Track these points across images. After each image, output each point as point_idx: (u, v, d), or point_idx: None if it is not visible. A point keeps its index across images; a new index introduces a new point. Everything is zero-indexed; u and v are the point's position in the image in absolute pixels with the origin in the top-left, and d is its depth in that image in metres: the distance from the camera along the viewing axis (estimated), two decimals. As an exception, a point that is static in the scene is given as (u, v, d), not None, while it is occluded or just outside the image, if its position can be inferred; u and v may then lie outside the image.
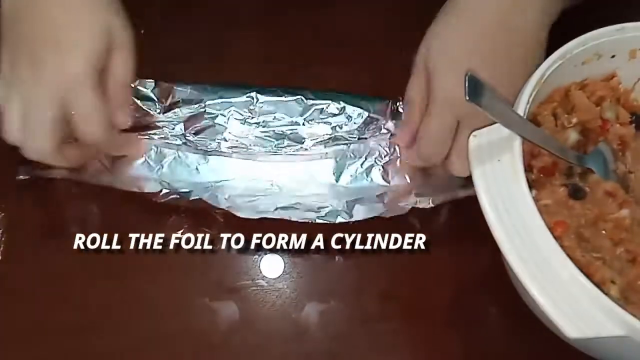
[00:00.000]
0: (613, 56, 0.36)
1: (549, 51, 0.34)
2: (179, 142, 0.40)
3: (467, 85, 0.28)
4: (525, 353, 0.36)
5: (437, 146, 0.36)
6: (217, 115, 0.41)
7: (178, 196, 0.39)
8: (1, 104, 0.36)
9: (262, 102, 0.41)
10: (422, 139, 0.37)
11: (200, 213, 0.40)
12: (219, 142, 0.40)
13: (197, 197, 0.39)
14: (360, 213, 0.38)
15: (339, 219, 0.38)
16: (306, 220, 0.38)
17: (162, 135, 0.41)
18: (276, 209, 0.39)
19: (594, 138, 0.36)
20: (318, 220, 0.38)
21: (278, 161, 0.40)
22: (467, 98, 0.28)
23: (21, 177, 0.39)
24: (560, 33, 0.36)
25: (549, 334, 0.31)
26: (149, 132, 0.40)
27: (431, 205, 0.39)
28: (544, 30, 0.36)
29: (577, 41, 0.34)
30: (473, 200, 0.29)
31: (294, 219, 0.38)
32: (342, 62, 0.45)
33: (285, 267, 0.39)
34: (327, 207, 0.39)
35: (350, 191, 0.39)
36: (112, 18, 0.36)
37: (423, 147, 0.37)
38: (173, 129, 0.41)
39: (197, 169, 0.40)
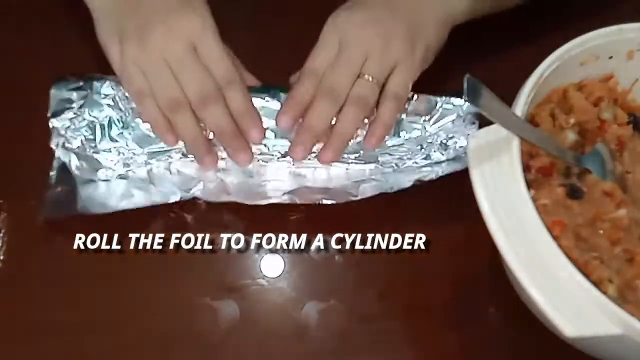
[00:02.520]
0: (611, 57, 0.36)
1: (548, 52, 0.35)
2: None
3: (466, 86, 0.29)
4: (524, 352, 0.36)
5: (321, 57, 0.39)
6: None
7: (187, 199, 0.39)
8: (137, 87, 0.38)
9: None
10: (310, 57, 0.39)
11: (201, 213, 0.40)
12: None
13: (202, 197, 0.39)
14: (367, 191, 0.39)
15: (346, 199, 0.38)
16: (313, 202, 0.38)
17: None
18: (283, 194, 0.39)
19: (591, 138, 0.36)
20: (325, 202, 0.38)
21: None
22: (466, 99, 0.29)
23: (45, 216, 0.38)
24: (558, 34, 0.36)
25: (547, 333, 0.31)
26: None
27: (434, 177, 0.39)
28: (438, 22, 0.40)
29: (575, 42, 0.34)
30: (472, 200, 0.30)
31: (300, 201, 0.38)
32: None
33: (285, 266, 0.39)
34: (332, 188, 0.39)
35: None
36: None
37: (310, 61, 0.39)
38: None
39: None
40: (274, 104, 0.40)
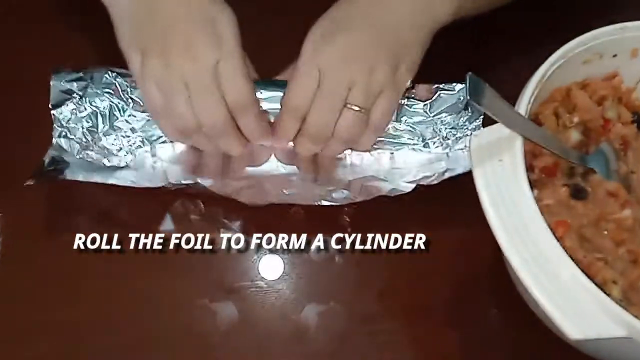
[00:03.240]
0: (614, 55, 0.36)
1: (551, 50, 0.34)
2: None
3: (468, 85, 0.28)
4: (526, 353, 0.36)
5: (303, 90, 0.37)
6: None
7: (185, 185, 0.39)
8: (156, 105, 0.36)
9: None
10: (289, 89, 0.37)
11: (201, 213, 0.40)
12: None
13: (203, 186, 0.39)
14: (364, 193, 0.39)
15: (344, 199, 0.38)
16: (312, 204, 0.38)
17: None
18: (282, 194, 0.39)
19: (595, 138, 0.36)
20: (323, 202, 0.38)
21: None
22: (469, 98, 0.28)
23: (30, 182, 0.38)
24: (561, 33, 0.36)
25: (550, 334, 0.31)
26: None
27: (434, 182, 0.39)
28: (420, 33, 0.38)
29: (578, 40, 0.34)
30: (474, 200, 0.29)
31: (299, 202, 0.38)
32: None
33: (285, 267, 0.39)
34: (332, 187, 0.39)
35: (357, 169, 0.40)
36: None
37: (290, 96, 0.37)
38: None
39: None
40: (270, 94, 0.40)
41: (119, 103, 0.41)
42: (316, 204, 0.39)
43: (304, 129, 0.37)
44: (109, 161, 0.40)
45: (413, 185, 0.39)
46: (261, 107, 0.39)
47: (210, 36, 0.35)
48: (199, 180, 0.39)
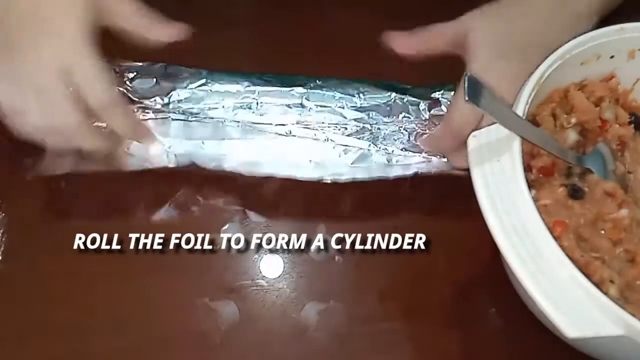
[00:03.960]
0: (612, 57, 0.36)
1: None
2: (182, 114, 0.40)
3: (466, 85, 0.29)
4: (525, 353, 0.36)
5: (460, 124, 0.35)
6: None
7: (187, 163, 0.39)
8: (7, 105, 0.35)
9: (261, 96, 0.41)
10: (449, 114, 0.37)
11: (201, 213, 0.40)
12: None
13: (202, 166, 0.39)
14: (365, 173, 0.39)
15: (344, 178, 0.39)
16: (312, 180, 0.39)
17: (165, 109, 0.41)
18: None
19: (593, 138, 0.36)
20: (326, 179, 0.39)
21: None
22: (467, 98, 0.29)
23: (29, 175, 0.38)
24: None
25: (548, 333, 0.31)
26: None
27: (432, 171, 0.39)
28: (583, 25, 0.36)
29: (576, 41, 0.34)
30: (473, 200, 0.29)
31: (299, 176, 0.39)
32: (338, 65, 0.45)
33: (285, 267, 0.39)
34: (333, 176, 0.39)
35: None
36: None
37: (448, 122, 0.37)
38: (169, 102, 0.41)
39: (203, 143, 0.40)
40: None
41: None
42: (319, 181, 0.39)
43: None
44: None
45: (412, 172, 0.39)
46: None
47: (57, 37, 0.34)
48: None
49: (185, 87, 0.41)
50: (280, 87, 0.41)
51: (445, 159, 0.39)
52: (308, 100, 0.41)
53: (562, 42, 0.34)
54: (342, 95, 0.41)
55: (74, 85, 0.35)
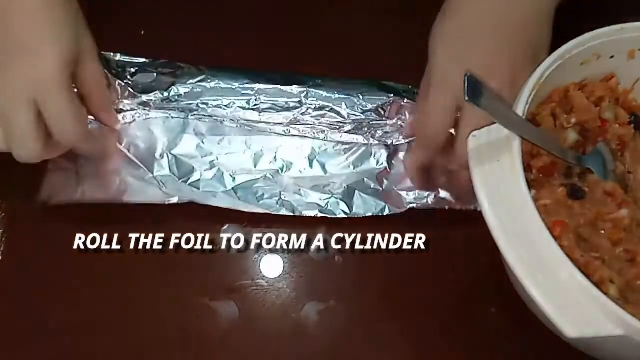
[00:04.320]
0: (612, 56, 0.36)
1: (549, 51, 0.34)
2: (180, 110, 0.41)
3: (466, 85, 0.29)
4: (525, 353, 0.36)
5: (435, 125, 0.35)
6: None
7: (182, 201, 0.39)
8: None
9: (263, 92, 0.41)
10: (421, 119, 0.37)
11: (201, 213, 0.40)
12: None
13: (196, 202, 0.39)
14: (360, 208, 0.39)
15: (339, 213, 0.39)
16: (309, 215, 0.39)
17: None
18: (279, 200, 0.39)
19: (593, 138, 0.36)
20: (320, 215, 0.38)
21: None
22: (467, 98, 0.29)
23: (43, 200, 0.38)
24: (559, 33, 0.36)
25: (548, 333, 0.31)
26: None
27: (430, 205, 0.39)
28: (544, 16, 0.36)
29: (576, 41, 0.34)
30: (473, 200, 0.29)
31: (296, 213, 0.39)
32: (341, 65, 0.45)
33: (285, 267, 0.39)
34: (329, 196, 0.39)
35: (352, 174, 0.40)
36: (78, 26, 0.36)
37: (422, 127, 0.36)
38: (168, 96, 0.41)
39: (202, 142, 0.40)
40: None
41: None
42: (314, 216, 0.39)
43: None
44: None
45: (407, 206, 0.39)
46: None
47: (36, 67, 0.34)
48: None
49: (185, 83, 0.41)
50: (279, 85, 0.41)
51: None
52: (307, 98, 0.41)
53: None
54: (341, 96, 0.41)
55: (43, 118, 0.34)
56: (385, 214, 0.39)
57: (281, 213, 0.39)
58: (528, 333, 0.35)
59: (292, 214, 0.39)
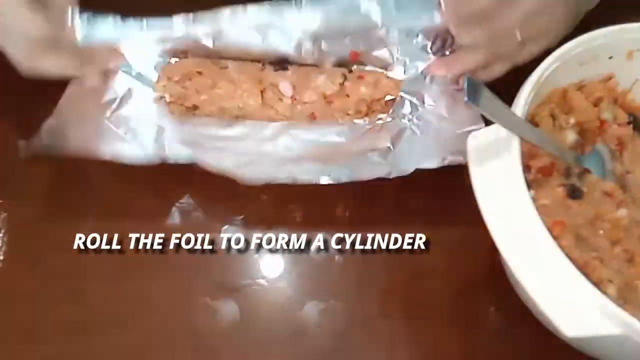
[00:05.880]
0: (611, 57, 0.36)
1: (548, 52, 0.35)
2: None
3: (465, 86, 0.29)
4: (524, 352, 0.36)
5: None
6: None
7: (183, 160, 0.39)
8: None
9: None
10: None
11: (201, 213, 0.40)
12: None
13: (198, 161, 0.38)
14: (365, 172, 0.38)
15: (344, 178, 0.38)
16: (311, 182, 0.38)
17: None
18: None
19: (591, 138, 0.36)
20: (322, 181, 0.38)
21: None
22: (466, 99, 0.29)
23: (24, 154, 0.38)
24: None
25: (547, 333, 0.31)
26: None
27: (435, 166, 0.38)
28: None
29: (575, 42, 0.34)
30: (472, 200, 0.30)
31: (299, 177, 0.38)
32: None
33: (285, 266, 0.39)
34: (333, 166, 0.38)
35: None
36: None
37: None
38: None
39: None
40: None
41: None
42: (314, 182, 0.38)
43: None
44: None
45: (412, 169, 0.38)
46: None
47: None
48: (197, 157, 0.38)
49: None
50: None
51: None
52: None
53: None
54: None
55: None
56: (391, 177, 0.38)
57: (282, 179, 0.38)
58: (528, 333, 0.35)
59: (295, 176, 0.38)
